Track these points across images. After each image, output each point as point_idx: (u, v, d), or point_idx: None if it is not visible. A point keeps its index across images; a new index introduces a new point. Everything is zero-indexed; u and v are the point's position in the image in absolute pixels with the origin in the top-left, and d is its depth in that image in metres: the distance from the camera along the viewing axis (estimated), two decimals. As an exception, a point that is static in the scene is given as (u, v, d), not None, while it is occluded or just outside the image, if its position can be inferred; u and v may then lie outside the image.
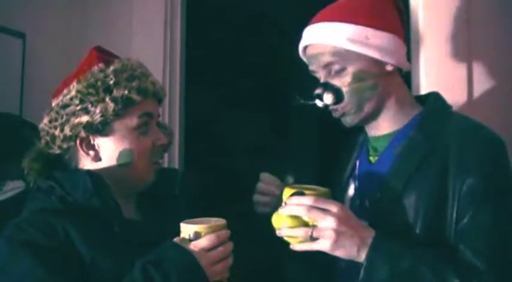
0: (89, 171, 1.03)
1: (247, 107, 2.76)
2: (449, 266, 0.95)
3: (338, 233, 0.95)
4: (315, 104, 1.15)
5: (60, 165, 1.08)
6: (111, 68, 1.07)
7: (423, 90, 1.60)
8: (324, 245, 0.96)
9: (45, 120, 1.08)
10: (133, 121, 1.06)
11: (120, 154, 1.05)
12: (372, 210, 1.09)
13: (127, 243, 0.99)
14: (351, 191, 1.19)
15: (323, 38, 1.12)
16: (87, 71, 1.06)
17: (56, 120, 1.05)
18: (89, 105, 1.03)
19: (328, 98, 1.12)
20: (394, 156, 1.11)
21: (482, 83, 1.59)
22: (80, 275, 0.93)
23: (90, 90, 1.04)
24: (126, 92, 1.04)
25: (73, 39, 1.89)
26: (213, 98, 2.64)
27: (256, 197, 1.22)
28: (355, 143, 1.26)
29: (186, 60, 1.96)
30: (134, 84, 1.06)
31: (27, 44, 1.74)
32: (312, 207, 0.96)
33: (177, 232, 0.99)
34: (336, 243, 0.95)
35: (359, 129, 1.25)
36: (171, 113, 1.86)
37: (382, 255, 0.96)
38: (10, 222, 0.98)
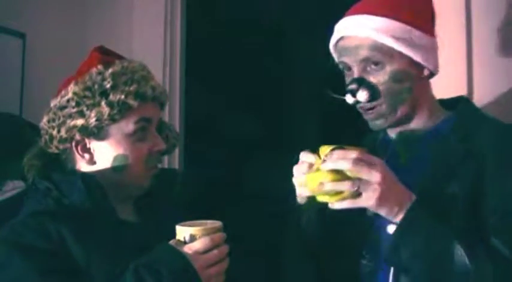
0: (83, 174, 1.02)
1: (247, 107, 2.75)
2: (482, 249, 0.93)
3: (383, 189, 0.90)
4: (345, 100, 1.07)
5: (59, 164, 1.08)
6: (110, 70, 1.03)
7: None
8: (368, 200, 0.91)
9: (45, 119, 1.07)
10: (129, 126, 1.02)
11: (115, 159, 1.03)
12: None
13: (123, 246, 0.98)
14: None
15: (364, 31, 1.05)
16: (85, 73, 1.05)
17: (54, 120, 1.04)
18: (85, 109, 1.01)
19: (362, 95, 1.05)
20: (427, 159, 1.07)
21: (482, 83, 1.59)
22: (73, 278, 0.92)
23: (87, 93, 1.02)
24: (122, 96, 1.01)
25: (73, 39, 1.89)
26: (213, 98, 2.64)
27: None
28: (374, 142, 1.20)
29: (186, 60, 1.96)
30: (132, 88, 1.02)
31: (27, 44, 1.74)
32: (357, 160, 0.91)
33: (175, 234, 0.98)
34: (380, 199, 0.90)
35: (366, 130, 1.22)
36: (171, 113, 1.86)
37: (419, 220, 0.93)
38: (5, 224, 0.98)
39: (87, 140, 1.03)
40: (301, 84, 2.76)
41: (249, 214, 1.26)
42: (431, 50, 1.09)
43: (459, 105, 1.14)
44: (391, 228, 1.03)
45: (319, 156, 0.97)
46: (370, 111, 1.07)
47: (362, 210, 1.02)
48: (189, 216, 1.05)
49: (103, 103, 1.00)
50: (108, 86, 1.01)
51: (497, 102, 1.58)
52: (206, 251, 0.92)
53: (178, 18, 1.90)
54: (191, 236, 0.93)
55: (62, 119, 1.03)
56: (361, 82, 1.05)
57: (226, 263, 0.96)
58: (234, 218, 1.14)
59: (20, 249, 0.92)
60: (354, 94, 1.05)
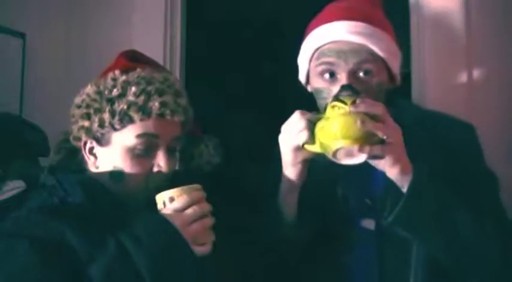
0: (83, 177, 1.02)
1: (247, 107, 2.75)
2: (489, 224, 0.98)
3: (402, 145, 0.95)
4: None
5: (77, 159, 1.08)
6: (124, 77, 1.01)
7: (424, 91, 1.60)
8: (391, 152, 0.94)
9: (71, 113, 1.07)
10: (130, 140, 0.99)
11: (113, 170, 1.01)
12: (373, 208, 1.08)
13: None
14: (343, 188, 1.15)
15: (362, 38, 1.07)
16: (105, 76, 1.04)
17: (73, 116, 1.05)
18: (92, 112, 1.00)
19: None
20: None
21: (482, 84, 1.59)
22: (75, 272, 0.91)
23: (97, 97, 1.01)
24: (125, 107, 0.98)
25: (73, 40, 1.89)
26: (213, 98, 2.64)
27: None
28: None
29: (186, 60, 1.96)
30: (138, 100, 0.98)
31: (27, 44, 1.74)
32: (385, 110, 0.95)
33: None
34: (401, 154, 0.95)
35: None
36: (171, 113, 1.86)
37: (427, 184, 0.97)
38: (8, 217, 0.98)
39: (94, 143, 1.03)
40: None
41: (249, 214, 1.26)
42: (398, 60, 1.14)
43: (390, 99, 1.19)
44: (367, 223, 1.07)
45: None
46: None
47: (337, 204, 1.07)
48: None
49: (107, 110, 0.99)
50: (116, 93, 1.00)
51: (497, 103, 1.58)
52: (186, 208, 0.92)
53: (179, 18, 1.90)
54: (170, 199, 0.94)
55: (76, 117, 1.04)
56: (355, 91, 1.06)
57: (211, 219, 0.95)
58: (234, 218, 1.14)
59: (22, 240, 0.91)
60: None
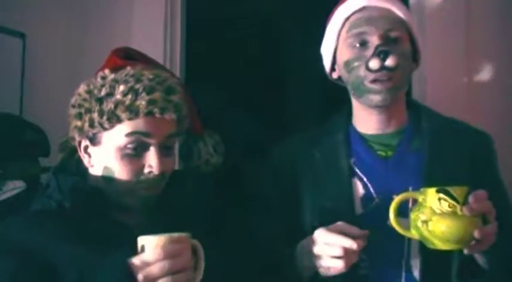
0: (79, 178, 1.02)
1: (248, 106, 2.75)
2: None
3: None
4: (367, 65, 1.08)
5: (77, 159, 1.07)
6: (112, 76, 0.99)
7: (424, 91, 1.60)
8: (492, 241, 0.93)
9: (68, 113, 1.06)
10: (120, 139, 0.96)
11: (104, 169, 0.99)
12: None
13: (127, 253, 0.93)
14: (359, 190, 1.12)
15: (389, 4, 1.11)
16: (95, 75, 1.03)
17: (69, 116, 1.04)
18: (83, 111, 0.99)
19: (393, 60, 1.06)
20: (412, 151, 1.12)
21: (482, 83, 1.59)
22: None
23: (87, 97, 1.00)
24: (112, 106, 0.95)
25: (73, 39, 1.89)
26: (213, 98, 2.64)
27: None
28: (333, 144, 1.18)
29: (186, 60, 1.96)
30: (125, 99, 0.96)
31: (27, 44, 1.74)
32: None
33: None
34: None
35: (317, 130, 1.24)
36: (171, 113, 1.86)
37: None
38: (3, 222, 0.97)
39: (87, 142, 1.02)
40: (301, 85, 2.76)
41: (249, 215, 1.26)
42: (418, 34, 1.16)
43: (411, 102, 1.21)
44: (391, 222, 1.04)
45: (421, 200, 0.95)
46: (389, 81, 1.08)
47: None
48: (192, 216, 1.04)
49: (96, 109, 0.97)
50: (104, 92, 0.98)
51: (497, 103, 1.58)
52: (156, 261, 0.83)
53: (179, 18, 1.90)
54: (142, 247, 0.86)
55: (71, 117, 1.03)
56: (393, 49, 1.06)
57: (186, 275, 0.86)
58: (234, 218, 1.14)
59: (6, 251, 0.91)
60: (385, 57, 1.05)
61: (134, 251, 0.87)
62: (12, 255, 0.90)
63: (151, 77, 1.00)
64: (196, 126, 1.19)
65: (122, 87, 0.97)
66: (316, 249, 0.97)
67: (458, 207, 0.91)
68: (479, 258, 1.00)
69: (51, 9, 1.86)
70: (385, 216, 1.00)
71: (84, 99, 1.00)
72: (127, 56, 1.08)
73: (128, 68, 1.01)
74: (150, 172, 0.97)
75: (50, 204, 0.99)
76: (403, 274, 1.06)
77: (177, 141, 1.08)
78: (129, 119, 0.96)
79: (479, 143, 1.15)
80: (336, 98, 1.27)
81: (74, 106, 1.02)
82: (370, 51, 1.07)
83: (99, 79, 1.00)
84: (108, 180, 0.98)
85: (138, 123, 0.96)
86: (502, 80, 1.59)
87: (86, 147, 1.03)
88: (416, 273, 1.06)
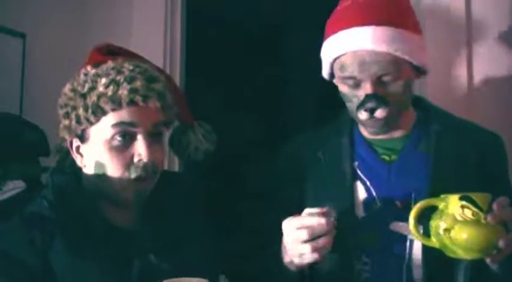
0: (65, 177, 1.02)
1: (248, 107, 2.75)
2: None
3: None
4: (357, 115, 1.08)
5: (71, 161, 1.07)
6: (93, 71, 1.00)
7: (424, 91, 1.60)
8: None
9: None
10: (106, 131, 0.97)
11: (95, 165, 0.99)
12: (405, 211, 1.01)
13: (112, 254, 0.96)
14: (362, 193, 1.11)
15: (380, 45, 1.01)
16: (77, 73, 1.04)
17: (59, 118, 1.05)
18: (69, 110, 1.00)
19: (382, 113, 1.04)
20: (418, 154, 1.11)
21: (482, 83, 1.59)
22: None
23: (71, 95, 1.00)
24: (95, 99, 0.96)
25: (73, 40, 1.89)
26: (214, 98, 2.64)
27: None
28: (337, 147, 1.18)
29: (186, 60, 1.96)
30: (107, 90, 0.96)
31: (27, 44, 1.74)
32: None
33: (173, 242, 0.96)
34: None
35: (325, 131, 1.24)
36: (171, 113, 1.86)
37: None
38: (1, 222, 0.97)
39: (78, 142, 1.02)
40: (301, 85, 2.76)
41: (249, 215, 1.26)
42: (425, 49, 1.10)
43: (422, 102, 1.20)
44: (393, 226, 1.04)
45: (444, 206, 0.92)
46: (380, 122, 1.07)
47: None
48: (190, 220, 1.04)
49: (80, 105, 0.98)
50: (87, 88, 0.98)
51: (497, 104, 1.58)
52: None
53: (179, 18, 1.90)
54: None
55: (60, 118, 1.04)
56: (380, 100, 1.03)
57: None
58: (234, 218, 1.14)
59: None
60: (372, 112, 1.04)
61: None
62: (4, 263, 0.90)
63: (131, 67, 1.01)
64: (185, 116, 1.20)
65: (103, 80, 0.98)
66: (285, 238, 0.97)
67: (481, 215, 0.88)
68: (492, 264, 0.98)
69: (51, 9, 1.86)
70: (387, 220, 1.00)
71: (70, 98, 1.01)
72: (108, 52, 1.09)
73: (109, 62, 1.03)
74: (139, 160, 0.97)
75: (44, 205, 0.99)
76: (404, 278, 1.06)
77: (166, 130, 1.08)
78: (113, 109, 0.96)
79: (490, 145, 1.13)
80: (336, 97, 1.27)
81: (61, 107, 1.03)
82: (362, 93, 1.06)
83: (81, 76, 1.02)
84: (100, 176, 0.98)
85: (122, 114, 0.96)
86: (502, 79, 1.59)
87: (78, 148, 1.03)
88: (417, 277, 1.05)
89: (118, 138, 0.97)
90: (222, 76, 2.74)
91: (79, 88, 1.00)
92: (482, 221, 0.88)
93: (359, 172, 1.13)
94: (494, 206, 0.88)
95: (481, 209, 0.88)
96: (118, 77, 0.98)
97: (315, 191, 1.15)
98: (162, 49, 1.84)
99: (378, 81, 1.04)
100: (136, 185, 0.98)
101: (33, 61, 1.76)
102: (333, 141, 1.19)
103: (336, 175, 1.14)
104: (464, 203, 0.89)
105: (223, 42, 2.74)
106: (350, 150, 1.15)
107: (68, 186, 1.01)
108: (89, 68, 1.02)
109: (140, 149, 0.97)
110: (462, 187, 0.93)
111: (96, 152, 0.98)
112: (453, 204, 0.90)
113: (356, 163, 1.14)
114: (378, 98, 1.03)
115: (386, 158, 1.13)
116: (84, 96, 0.98)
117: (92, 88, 0.98)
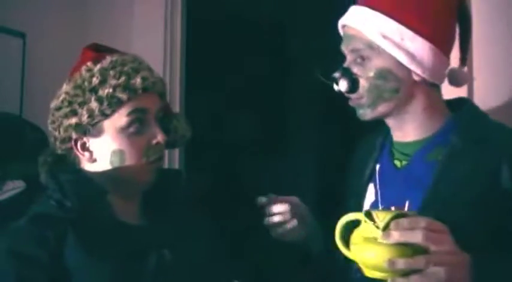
0: (78, 177, 1.03)
1: (248, 108, 2.76)
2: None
3: (452, 258, 0.81)
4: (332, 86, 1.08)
5: (67, 164, 1.08)
6: (98, 66, 1.03)
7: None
8: (439, 273, 0.79)
9: (48, 121, 1.08)
10: (122, 120, 1.01)
11: (112, 154, 1.02)
12: None
13: (121, 249, 0.97)
14: (371, 196, 1.11)
15: (360, 24, 1.05)
16: (76, 71, 1.05)
17: (54, 122, 1.05)
18: (77, 107, 1.01)
19: (343, 85, 1.06)
20: (427, 162, 1.05)
21: (482, 83, 1.59)
22: None
23: (77, 92, 1.02)
24: (111, 90, 1.00)
25: (73, 39, 1.89)
26: (214, 99, 2.64)
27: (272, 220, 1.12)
28: (373, 145, 1.18)
29: (186, 61, 1.96)
30: (120, 81, 1.01)
31: (27, 44, 1.74)
32: (427, 231, 0.79)
33: (177, 238, 0.97)
34: (451, 270, 0.79)
35: (372, 129, 1.21)
36: (171, 113, 1.86)
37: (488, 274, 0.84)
38: (7, 228, 0.98)
39: (84, 139, 1.03)
40: (301, 85, 2.76)
41: (249, 215, 1.26)
42: (425, 56, 1.04)
43: (464, 107, 1.11)
44: None
45: (370, 220, 0.83)
46: (352, 101, 1.09)
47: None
48: (191, 217, 1.04)
49: (93, 99, 1.00)
50: (96, 81, 1.01)
51: (497, 104, 1.57)
52: None
53: (179, 18, 1.90)
54: None
55: (59, 119, 1.04)
56: (344, 72, 1.06)
57: None
58: (234, 218, 1.14)
59: (13, 258, 0.92)
60: (336, 82, 1.07)
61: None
62: (19, 263, 0.92)
63: (131, 60, 1.07)
64: (168, 106, 1.24)
65: (112, 72, 1.02)
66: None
67: (377, 234, 0.81)
68: None
69: (51, 9, 1.87)
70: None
71: (75, 95, 1.02)
72: (101, 49, 1.11)
73: (108, 56, 1.06)
74: (157, 143, 1.04)
75: (51, 205, 1.00)
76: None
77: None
78: (129, 98, 1.01)
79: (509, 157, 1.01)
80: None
81: (60, 108, 1.03)
82: None
83: (85, 72, 1.03)
84: (117, 164, 1.02)
85: (137, 101, 1.02)
86: (503, 79, 1.58)
87: (84, 145, 1.03)
88: None
89: (135, 124, 1.02)
90: (222, 76, 2.74)
91: (86, 84, 1.02)
92: (379, 239, 0.81)
93: (376, 174, 1.12)
94: (391, 225, 0.81)
95: (377, 227, 0.82)
96: (125, 68, 1.03)
97: (347, 186, 1.19)
98: (162, 49, 1.84)
99: (354, 59, 1.06)
100: (153, 166, 1.05)
101: (33, 61, 1.76)
102: (371, 141, 1.19)
103: (359, 175, 1.16)
104: (366, 219, 0.84)
105: (224, 42, 2.74)
106: (378, 152, 1.15)
107: (77, 184, 1.01)
108: (89, 64, 1.04)
109: (157, 132, 1.04)
110: (459, 201, 0.93)
111: (111, 143, 1.02)
112: (363, 220, 0.85)
113: (378, 166, 1.13)
114: (343, 69, 1.06)
115: (398, 163, 1.11)
116: (94, 90, 1.01)
117: (103, 81, 1.01)
